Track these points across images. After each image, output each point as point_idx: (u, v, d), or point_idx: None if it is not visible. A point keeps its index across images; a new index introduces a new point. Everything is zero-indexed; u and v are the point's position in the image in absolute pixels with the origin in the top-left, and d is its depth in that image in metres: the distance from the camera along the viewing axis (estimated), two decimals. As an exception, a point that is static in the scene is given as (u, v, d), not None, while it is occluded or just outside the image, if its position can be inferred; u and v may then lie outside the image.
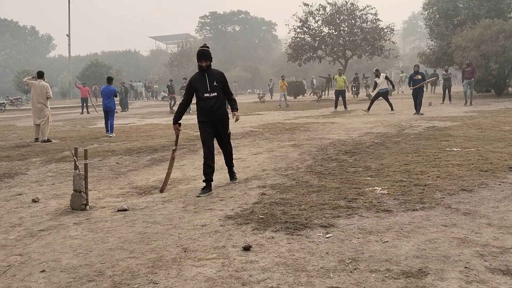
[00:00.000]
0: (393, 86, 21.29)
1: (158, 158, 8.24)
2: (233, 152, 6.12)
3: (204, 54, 5.61)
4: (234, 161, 6.15)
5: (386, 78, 16.67)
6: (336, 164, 6.69)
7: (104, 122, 12.88)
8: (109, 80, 13.25)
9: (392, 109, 15.99)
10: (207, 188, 5.51)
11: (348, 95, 23.53)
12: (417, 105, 15.24)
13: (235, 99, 5.97)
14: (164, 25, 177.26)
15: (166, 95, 36.80)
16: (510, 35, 19.92)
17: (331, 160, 7.08)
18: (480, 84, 22.72)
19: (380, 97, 16.67)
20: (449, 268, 2.97)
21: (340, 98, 19.18)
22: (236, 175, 6.13)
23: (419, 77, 15.74)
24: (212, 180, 5.63)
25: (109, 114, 12.62)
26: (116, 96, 13.06)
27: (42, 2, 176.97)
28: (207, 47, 5.80)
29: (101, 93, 12.89)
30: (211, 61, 5.68)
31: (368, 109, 16.80)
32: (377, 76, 16.72)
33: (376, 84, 17.02)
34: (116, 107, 14.44)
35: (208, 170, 5.58)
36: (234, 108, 5.83)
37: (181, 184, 6.09)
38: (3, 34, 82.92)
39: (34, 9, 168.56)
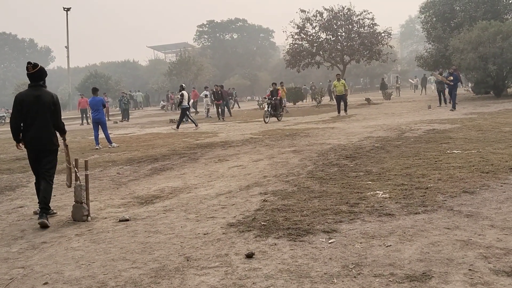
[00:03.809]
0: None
1: (158, 168, 8.23)
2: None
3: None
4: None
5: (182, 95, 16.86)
6: (337, 169, 6.68)
7: (94, 134, 12.40)
8: (95, 91, 12.62)
9: (196, 126, 16.85)
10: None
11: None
12: (452, 101, 16.54)
13: None
14: (162, 34, 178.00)
15: (165, 103, 36.23)
16: (507, 36, 19.98)
17: (332, 165, 7.08)
18: (479, 86, 22.78)
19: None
20: (453, 270, 2.96)
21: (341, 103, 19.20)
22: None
23: (451, 78, 17.04)
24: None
25: (100, 126, 12.17)
26: (104, 106, 12.61)
27: (40, 15, 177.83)
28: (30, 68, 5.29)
29: (89, 106, 12.55)
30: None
31: (177, 127, 16.70)
32: (181, 90, 17.03)
33: (181, 100, 16.99)
34: (115, 118, 14.26)
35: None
36: None
37: (182, 192, 6.08)
38: (2, 47, 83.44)
39: (33, 22, 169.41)
